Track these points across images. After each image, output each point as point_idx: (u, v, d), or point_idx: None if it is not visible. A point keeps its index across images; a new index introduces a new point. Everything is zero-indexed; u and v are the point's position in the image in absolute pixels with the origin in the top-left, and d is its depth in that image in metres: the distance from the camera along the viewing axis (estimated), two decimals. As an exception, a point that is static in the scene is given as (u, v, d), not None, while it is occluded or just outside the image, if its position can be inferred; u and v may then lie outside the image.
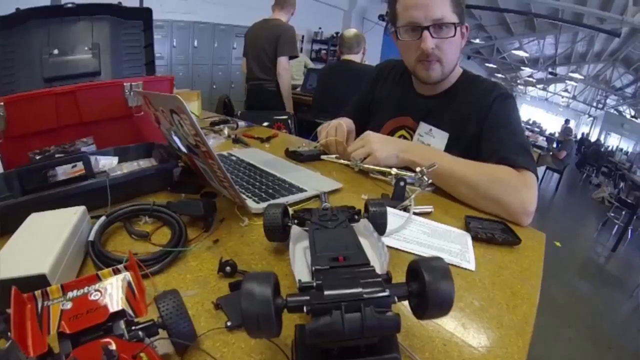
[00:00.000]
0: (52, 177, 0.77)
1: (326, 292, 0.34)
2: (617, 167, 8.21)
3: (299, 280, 0.37)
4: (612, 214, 5.53)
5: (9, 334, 0.34)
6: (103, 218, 0.60)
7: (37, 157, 0.83)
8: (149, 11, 1.12)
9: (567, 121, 12.79)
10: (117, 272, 0.41)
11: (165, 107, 0.63)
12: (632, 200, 5.39)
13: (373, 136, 1.03)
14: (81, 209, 0.58)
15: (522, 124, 1.10)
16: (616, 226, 5.32)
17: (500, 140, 0.99)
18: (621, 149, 15.26)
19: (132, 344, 0.34)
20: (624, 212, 5.34)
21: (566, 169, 8.06)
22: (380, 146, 0.99)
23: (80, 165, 0.76)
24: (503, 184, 0.87)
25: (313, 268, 0.40)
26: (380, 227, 0.58)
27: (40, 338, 0.33)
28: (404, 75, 1.24)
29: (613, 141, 16.92)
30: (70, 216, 0.56)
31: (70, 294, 0.38)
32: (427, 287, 0.35)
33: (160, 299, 0.36)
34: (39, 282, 0.42)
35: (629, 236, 5.08)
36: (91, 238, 0.55)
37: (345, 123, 1.22)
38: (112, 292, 0.38)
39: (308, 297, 0.34)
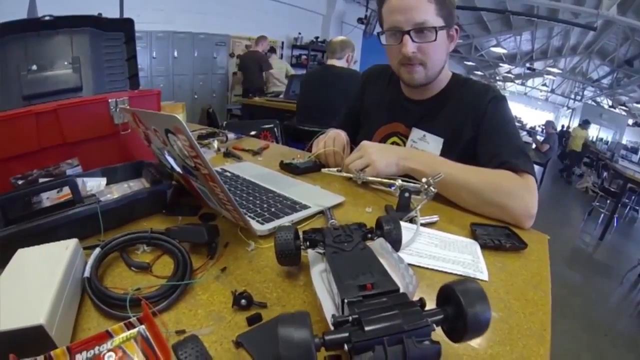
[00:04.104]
0: (37, 203, 0.72)
1: (367, 328, 0.32)
2: (599, 157, 8.38)
3: (333, 316, 0.35)
4: (597, 203, 5.63)
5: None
6: (98, 250, 0.56)
7: (19, 183, 0.77)
8: (130, 22, 1.07)
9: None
10: (130, 326, 0.36)
11: (160, 126, 0.59)
12: (616, 188, 5.50)
13: (371, 146, 1.00)
14: (73, 242, 0.53)
15: (517, 126, 1.09)
16: (602, 215, 5.42)
17: (498, 145, 0.98)
18: (601, 139, 15.64)
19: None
20: (608, 201, 5.46)
21: (549, 162, 8.19)
22: (378, 156, 0.96)
23: (66, 189, 0.71)
24: (506, 190, 0.87)
25: (345, 300, 0.37)
26: (395, 244, 0.55)
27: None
28: (392, 80, 1.22)
29: (592, 132, 17.31)
30: (63, 251, 0.51)
31: (79, 357, 0.33)
32: (466, 312, 0.34)
33: (180, 348, 0.32)
34: (35, 334, 0.37)
35: (615, 224, 5.18)
36: (87, 274, 0.51)
37: (342, 134, 1.20)
38: (128, 352, 0.33)
39: (347, 334, 0.32)
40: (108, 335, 0.35)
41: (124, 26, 1.06)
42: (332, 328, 0.34)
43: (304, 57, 7.99)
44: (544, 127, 9.60)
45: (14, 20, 0.92)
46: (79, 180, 0.74)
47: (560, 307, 2.99)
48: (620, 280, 3.71)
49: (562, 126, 16.77)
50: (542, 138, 8.54)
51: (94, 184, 0.80)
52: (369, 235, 0.56)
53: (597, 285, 3.68)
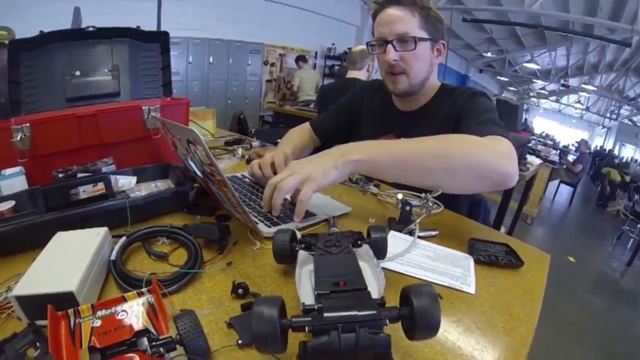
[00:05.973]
0: (74, 195, 0.81)
1: (325, 315, 0.39)
2: (632, 179, 8.05)
3: (303, 303, 0.41)
4: (627, 227, 5.41)
5: (37, 344, 0.39)
6: (124, 239, 0.65)
7: (60, 176, 0.88)
8: (165, 34, 1.17)
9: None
10: (141, 294, 0.46)
11: (183, 136, 0.68)
12: (648, 212, 5.28)
13: (300, 161, 0.80)
14: (104, 230, 0.63)
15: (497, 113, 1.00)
16: (631, 240, 5.20)
17: (467, 125, 0.93)
18: (636, 160, 14.95)
19: (154, 358, 0.38)
20: (639, 225, 5.23)
21: (580, 182, 7.94)
22: (312, 167, 0.75)
23: (101, 184, 0.81)
24: (470, 142, 0.79)
25: (316, 292, 0.44)
26: (380, 252, 0.61)
27: (73, 352, 0.38)
28: (387, 94, 1.25)
29: (628, 152, 16.62)
30: (94, 236, 0.60)
31: (99, 313, 0.43)
32: (416, 311, 0.39)
33: (179, 319, 0.40)
34: (66, 298, 0.46)
35: (645, 250, 4.97)
36: (113, 257, 0.60)
37: (284, 152, 1.05)
38: (136, 312, 0.43)
39: (310, 319, 0.39)
40: (123, 299, 0.46)
41: (160, 38, 1.16)
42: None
43: (336, 67, 8.05)
44: (577, 146, 9.28)
45: (60, 30, 1.02)
46: (112, 177, 0.84)
47: (580, 333, 2.91)
48: (646, 309, 3.58)
49: (599, 146, 16.13)
50: (573, 157, 8.26)
51: (125, 182, 0.90)
52: (359, 242, 0.62)
53: (621, 313, 3.54)
